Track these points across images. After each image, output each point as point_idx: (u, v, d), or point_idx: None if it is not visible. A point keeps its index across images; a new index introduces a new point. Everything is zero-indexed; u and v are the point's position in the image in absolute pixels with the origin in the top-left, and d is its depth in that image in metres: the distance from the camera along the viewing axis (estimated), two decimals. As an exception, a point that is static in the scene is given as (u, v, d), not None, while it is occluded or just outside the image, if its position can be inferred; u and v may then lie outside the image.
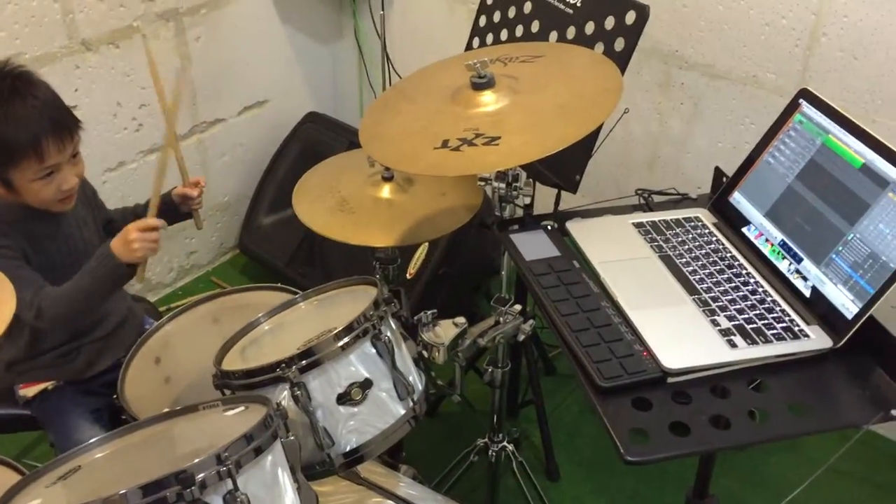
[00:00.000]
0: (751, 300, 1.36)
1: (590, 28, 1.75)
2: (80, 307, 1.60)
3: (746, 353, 1.26)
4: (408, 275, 2.48)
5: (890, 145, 1.29)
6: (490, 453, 2.05)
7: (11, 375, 1.75)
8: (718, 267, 1.43)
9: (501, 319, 1.64)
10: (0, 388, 1.77)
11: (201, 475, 1.06)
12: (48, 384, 1.73)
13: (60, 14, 2.28)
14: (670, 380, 1.22)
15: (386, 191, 1.83)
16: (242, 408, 1.29)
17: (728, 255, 1.47)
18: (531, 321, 1.67)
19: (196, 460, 1.06)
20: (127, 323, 1.83)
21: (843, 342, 1.26)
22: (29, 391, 1.74)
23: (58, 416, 1.72)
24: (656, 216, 1.57)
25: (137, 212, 1.85)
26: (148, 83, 2.54)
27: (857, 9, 1.97)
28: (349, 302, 1.52)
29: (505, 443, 2.06)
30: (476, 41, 2.03)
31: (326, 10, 3.06)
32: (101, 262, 1.57)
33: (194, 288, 2.93)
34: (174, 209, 1.80)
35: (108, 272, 1.56)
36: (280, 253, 2.82)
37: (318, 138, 2.88)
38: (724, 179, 1.59)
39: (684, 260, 1.45)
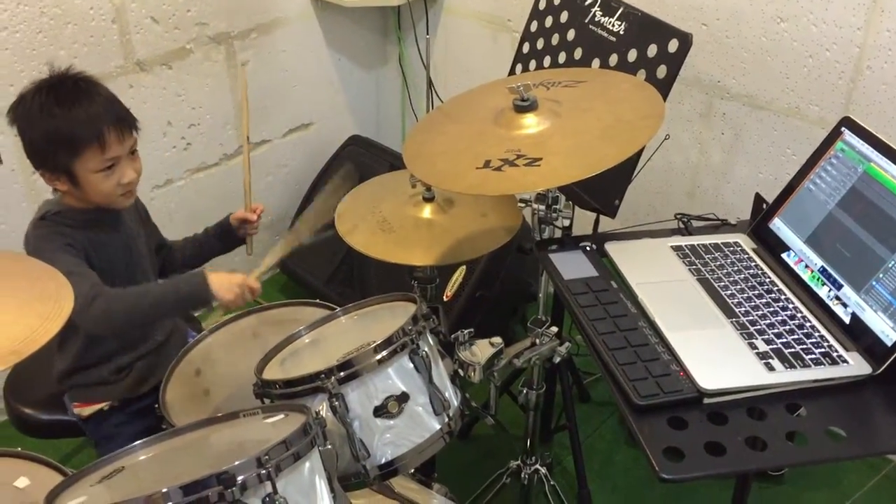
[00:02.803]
0: (789, 325, 1.36)
1: (632, 55, 1.78)
2: (144, 312, 1.62)
3: (784, 376, 1.26)
4: (445, 297, 2.50)
5: (932, 174, 1.29)
6: (523, 476, 2.05)
7: (63, 388, 1.79)
8: (757, 291, 1.44)
9: (538, 341, 1.65)
10: (52, 392, 1.81)
11: (242, 477, 1.08)
12: (103, 405, 1.77)
13: (118, 35, 2.36)
14: (706, 400, 1.23)
15: (427, 211, 1.85)
16: (282, 416, 1.32)
17: (767, 280, 1.47)
18: (567, 344, 1.68)
19: (237, 462, 1.08)
20: (173, 337, 1.87)
21: (882, 369, 1.26)
22: (84, 410, 1.78)
23: (112, 436, 1.76)
24: (695, 240, 1.58)
25: (197, 239, 1.93)
26: (198, 103, 2.62)
27: (902, 42, 1.97)
28: (388, 317, 1.55)
29: (538, 466, 2.06)
30: (519, 67, 2.07)
31: (372, 37, 3.12)
32: (190, 283, 1.62)
33: (235, 305, 2.98)
34: (231, 234, 1.89)
35: (193, 295, 1.61)
36: (319, 273, 2.86)
37: (360, 161, 2.93)
38: (765, 206, 1.59)
39: (723, 284, 1.46)
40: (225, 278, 1.62)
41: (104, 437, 1.78)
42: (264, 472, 1.09)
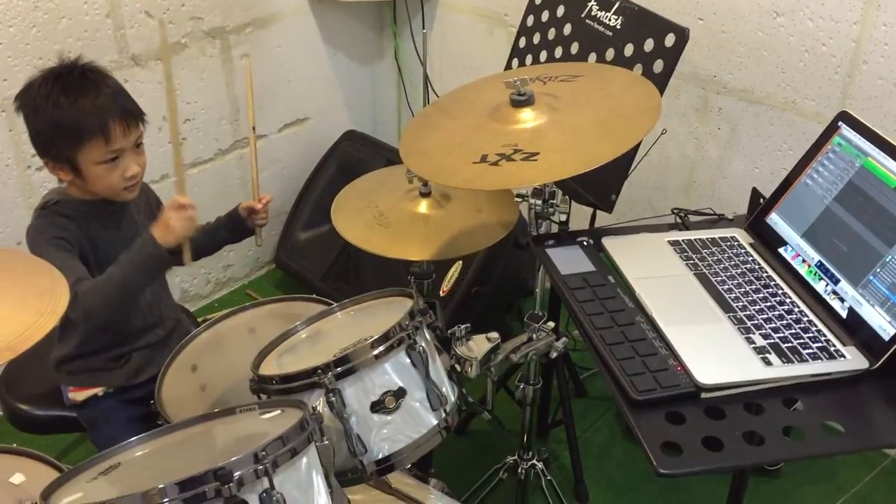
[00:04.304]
0: (786, 319, 1.36)
1: (629, 50, 1.77)
2: (117, 296, 1.59)
3: (781, 371, 1.26)
4: (441, 292, 2.50)
5: (930, 168, 1.29)
6: (519, 471, 2.05)
7: (61, 374, 1.79)
8: (754, 286, 1.44)
9: (534, 336, 1.65)
10: (48, 387, 1.81)
11: (239, 472, 1.07)
12: (98, 390, 1.77)
13: (112, 29, 2.35)
14: (704, 395, 1.23)
15: (423, 206, 1.85)
16: (279, 411, 1.31)
17: (764, 274, 1.47)
18: (564, 339, 1.68)
19: (234, 458, 1.08)
20: (175, 332, 1.87)
21: (879, 363, 1.26)
22: (79, 395, 1.77)
23: (103, 422, 1.76)
24: (692, 235, 1.58)
25: (207, 229, 1.90)
26: (193, 98, 2.62)
27: (898, 37, 1.97)
28: (385, 312, 1.54)
29: (534, 461, 2.06)
30: (515, 62, 2.06)
31: (368, 32, 3.11)
32: (140, 247, 1.59)
33: (230, 300, 2.98)
34: (240, 224, 1.87)
35: (147, 256, 1.58)
36: (315, 268, 2.86)
37: (355, 156, 2.92)
38: (761, 200, 1.59)
39: (720, 278, 1.46)
40: (158, 226, 1.58)
41: (97, 421, 1.77)
42: (261, 467, 1.09)
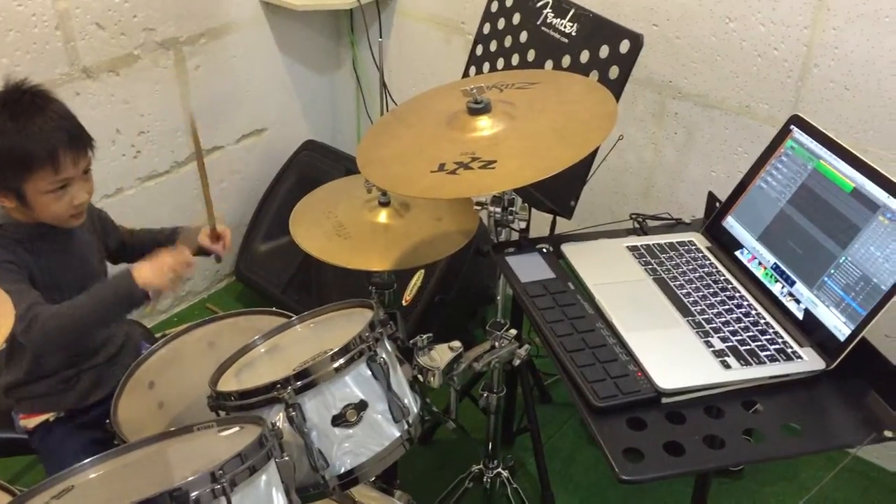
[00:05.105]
0: (744, 322, 1.37)
1: (584, 57, 1.78)
2: (81, 326, 1.57)
3: (740, 374, 1.27)
4: (403, 302, 2.48)
5: (880, 170, 1.31)
6: (485, 480, 2.05)
7: (10, 400, 1.74)
8: (712, 290, 1.45)
9: (497, 344, 1.64)
10: (-1, 411, 1.77)
11: (195, 493, 1.05)
12: (49, 416, 1.72)
13: (62, 41, 2.31)
14: (664, 400, 1.23)
15: (383, 216, 1.84)
16: (237, 428, 1.29)
17: (722, 278, 1.48)
18: (526, 346, 1.68)
19: (190, 478, 1.06)
20: (125, 348, 1.83)
21: (835, 364, 1.27)
22: (30, 422, 1.73)
23: (58, 448, 1.71)
24: (650, 240, 1.59)
25: (159, 238, 1.86)
26: (147, 110, 2.58)
27: (848, 40, 2.00)
28: (345, 324, 1.53)
29: (500, 469, 2.06)
30: (473, 70, 2.06)
31: (325, 41, 3.10)
32: (117, 287, 1.56)
33: (190, 315, 2.93)
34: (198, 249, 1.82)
35: (124, 298, 1.55)
36: (276, 280, 2.83)
37: (315, 166, 2.90)
38: (718, 204, 1.60)
39: (678, 283, 1.47)
40: (148, 268, 1.56)
41: (50, 449, 1.73)
42: (219, 487, 1.07)
